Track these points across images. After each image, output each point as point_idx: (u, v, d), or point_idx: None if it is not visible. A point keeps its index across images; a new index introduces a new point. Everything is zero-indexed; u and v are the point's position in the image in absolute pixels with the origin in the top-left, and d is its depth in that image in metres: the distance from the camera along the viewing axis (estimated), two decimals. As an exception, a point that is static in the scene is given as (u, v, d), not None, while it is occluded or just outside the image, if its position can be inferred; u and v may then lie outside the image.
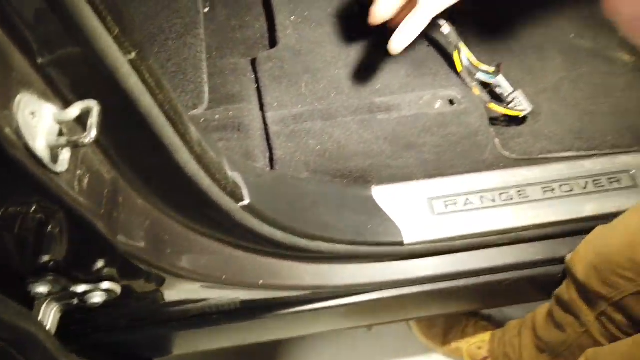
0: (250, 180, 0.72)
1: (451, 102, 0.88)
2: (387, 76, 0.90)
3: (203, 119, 0.85)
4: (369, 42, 0.94)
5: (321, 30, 0.96)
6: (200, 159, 0.58)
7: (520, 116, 0.91)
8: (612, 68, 1.03)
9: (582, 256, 0.84)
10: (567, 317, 0.91)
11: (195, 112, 0.87)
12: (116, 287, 0.60)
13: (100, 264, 0.58)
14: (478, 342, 1.13)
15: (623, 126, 0.95)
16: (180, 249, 0.66)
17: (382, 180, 0.88)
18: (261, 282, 0.77)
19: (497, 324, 1.20)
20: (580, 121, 0.96)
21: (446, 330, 1.18)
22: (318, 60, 0.93)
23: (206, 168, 0.59)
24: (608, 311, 0.83)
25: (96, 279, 0.57)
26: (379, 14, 0.81)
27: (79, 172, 0.47)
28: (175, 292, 0.76)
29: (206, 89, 0.89)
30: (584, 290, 0.84)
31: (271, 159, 0.85)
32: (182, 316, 0.85)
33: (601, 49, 1.06)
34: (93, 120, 0.41)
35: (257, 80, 0.91)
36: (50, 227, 0.49)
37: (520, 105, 0.90)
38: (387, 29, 0.92)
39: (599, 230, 0.84)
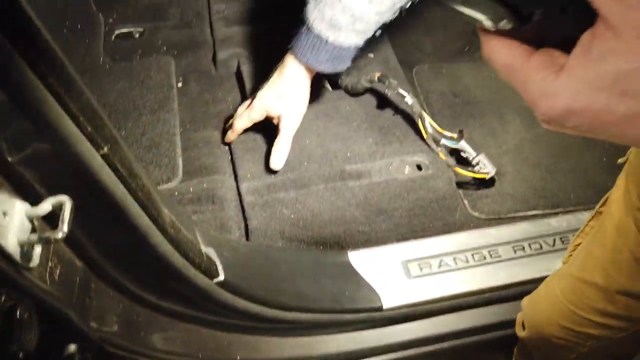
0: (224, 255, 0.72)
1: (419, 167, 0.91)
2: (356, 144, 0.93)
3: (177, 192, 0.86)
4: (338, 113, 0.98)
5: None
6: (173, 240, 0.58)
7: (486, 178, 0.95)
8: (568, 128, 1.08)
9: (524, 324, 0.82)
10: None
11: (169, 185, 0.88)
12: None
13: (72, 349, 0.56)
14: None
15: (584, 183, 1.00)
16: (155, 330, 0.65)
17: (356, 245, 0.89)
18: (239, 357, 0.76)
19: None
20: (543, 180, 1.00)
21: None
22: None
23: (180, 248, 0.59)
24: None
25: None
26: (237, 128, 0.92)
27: (50, 264, 0.46)
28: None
29: (180, 162, 0.91)
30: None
31: (246, 229, 0.85)
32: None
33: (557, 110, 1.12)
34: (65, 216, 0.41)
35: (230, 152, 0.93)
36: (20, 314, 0.48)
37: (485, 167, 0.94)
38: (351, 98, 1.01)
39: (526, 300, 0.83)
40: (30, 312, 0.48)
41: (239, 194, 0.87)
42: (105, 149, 0.45)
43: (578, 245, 0.75)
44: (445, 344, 0.91)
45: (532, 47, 0.29)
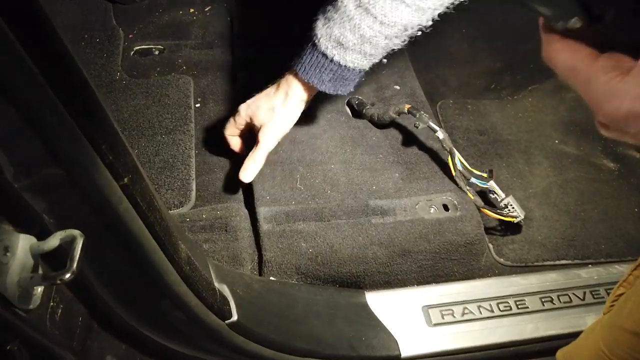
0: (238, 292, 0.66)
1: (446, 207, 0.86)
2: (381, 178, 0.88)
3: (189, 219, 0.80)
4: (364, 142, 0.93)
5: (317, 124, 0.95)
6: (188, 278, 0.53)
7: (514, 222, 0.90)
8: (598, 174, 1.04)
9: None
10: None
11: (180, 210, 0.82)
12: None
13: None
14: None
15: (615, 234, 0.94)
16: (158, 374, 0.59)
17: (375, 286, 0.83)
18: (244, 405, 0.69)
19: None
20: (572, 228, 0.95)
21: None
22: (315, 151, 0.91)
23: (194, 287, 0.54)
24: None
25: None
26: (227, 133, 0.87)
27: (52, 304, 0.41)
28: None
29: (194, 186, 0.86)
30: None
31: (260, 261, 0.80)
32: None
33: (585, 155, 1.07)
34: (75, 253, 0.36)
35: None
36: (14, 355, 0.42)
37: (514, 211, 0.89)
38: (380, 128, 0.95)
39: (561, 354, 0.78)
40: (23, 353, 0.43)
41: (255, 220, 0.80)
42: (126, 180, 0.40)
43: (620, 295, 0.70)
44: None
45: (596, 50, 0.29)
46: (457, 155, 0.88)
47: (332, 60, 0.74)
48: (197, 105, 1.00)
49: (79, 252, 0.36)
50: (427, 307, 0.83)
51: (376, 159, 0.91)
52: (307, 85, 0.78)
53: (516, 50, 1.22)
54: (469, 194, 0.87)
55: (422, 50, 1.17)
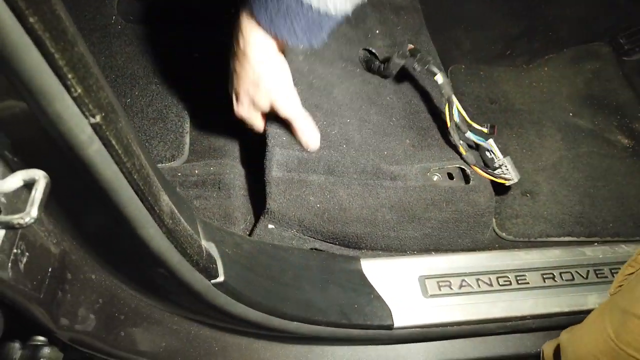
0: (227, 252, 0.62)
1: (459, 176, 0.81)
2: (393, 143, 0.82)
3: (180, 173, 0.76)
4: (379, 101, 0.87)
5: (333, 72, 0.87)
6: (171, 232, 0.49)
7: (506, 184, 0.85)
8: (611, 150, 0.99)
9: (563, 356, 0.74)
10: None
11: (172, 164, 0.78)
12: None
13: (39, 340, 0.48)
14: None
15: (625, 213, 0.90)
16: (138, 330, 0.56)
17: (375, 250, 0.80)
18: (229, 366, 0.67)
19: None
20: (580, 204, 0.91)
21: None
22: (331, 101, 0.83)
23: (177, 242, 0.50)
24: None
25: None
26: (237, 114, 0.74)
27: (16, 250, 0.37)
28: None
29: (187, 139, 0.81)
30: None
31: (256, 213, 0.75)
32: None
33: (600, 130, 1.02)
34: (36, 196, 0.32)
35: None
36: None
37: (507, 173, 0.83)
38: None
39: (566, 336, 0.74)
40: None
41: (267, 160, 0.73)
42: (98, 118, 0.35)
43: (630, 275, 0.66)
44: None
45: None
46: (456, 103, 0.81)
47: (304, 5, 0.58)
48: (196, 55, 0.94)
49: (41, 194, 0.32)
50: (423, 278, 0.79)
51: (389, 122, 0.85)
52: (274, 36, 0.63)
53: (536, 15, 1.15)
54: (460, 148, 0.82)
55: (436, 9, 1.09)
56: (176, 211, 0.50)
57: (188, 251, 0.52)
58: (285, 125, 0.74)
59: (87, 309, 0.48)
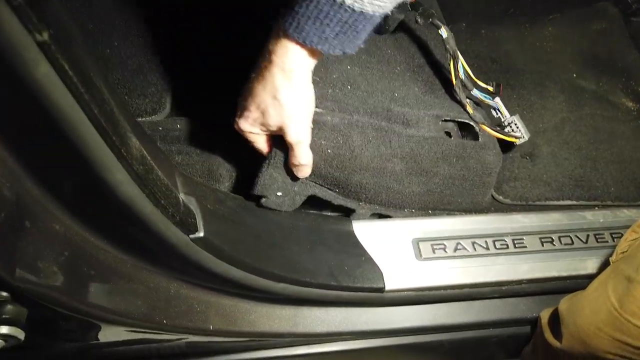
0: (208, 207, 0.58)
1: (468, 132, 0.77)
2: (402, 88, 0.76)
3: (161, 127, 0.71)
4: (379, 53, 0.81)
5: None
6: (141, 179, 0.44)
7: (517, 143, 0.81)
8: (615, 113, 0.94)
9: (562, 331, 0.70)
10: None
11: (153, 118, 0.73)
12: (18, 332, 0.46)
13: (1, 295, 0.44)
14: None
15: (627, 177, 0.86)
16: (110, 287, 0.52)
17: (373, 202, 0.75)
18: (212, 327, 0.64)
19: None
20: (581, 167, 0.87)
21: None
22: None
23: (149, 190, 0.46)
24: None
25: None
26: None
27: (-44, 189, 0.33)
28: (107, 334, 0.62)
29: (169, 93, 0.76)
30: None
31: (251, 167, 0.69)
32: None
33: (604, 92, 0.97)
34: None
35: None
36: None
37: (517, 131, 0.79)
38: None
39: (567, 304, 0.70)
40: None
41: None
42: (45, 36, 0.30)
43: (634, 240, 0.63)
44: (448, 336, 0.79)
45: None
46: (461, 60, 0.76)
47: (342, 5, 0.51)
48: (180, 5, 0.88)
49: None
50: (417, 240, 0.76)
51: (394, 70, 0.79)
52: (304, 44, 0.55)
53: (541, -30, 1.09)
54: (468, 106, 0.77)
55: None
56: (148, 158, 0.46)
57: (162, 202, 0.48)
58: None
59: (50, 262, 0.44)
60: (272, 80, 0.57)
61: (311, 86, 0.60)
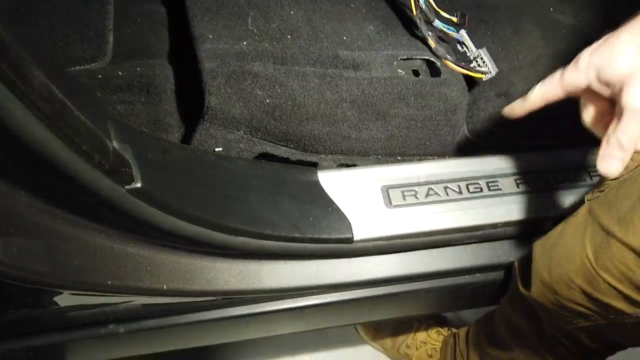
0: (148, 157, 0.52)
1: (430, 68, 0.70)
2: (353, 28, 0.70)
3: (101, 76, 0.64)
4: None
5: None
6: (52, 120, 0.38)
7: (483, 79, 0.75)
8: (594, 47, 0.88)
9: (534, 271, 0.65)
10: (512, 340, 0.77)
11: (93, 66, 0.65)
12: None
13: None
14: (429, 349, 0.99)
15: (606, 112, 0.81)
16: (40, 247, 0.46)
17: (335, 153, 0.70)
18: (166, 287, 0.58)
19: (451, 328, 1.06)
20: (559, 106, 0.81)
21: (395, 333, 1.03)
22: None
23: (64, 134, 0.39)
24: (559, 337, 0.69)
25: None
26: (531, 98, 0.55)
27: None
28: (49, 299, 0.56)
29: (110, 38, 0.68)
30: (532, 311, 0.69)
31: (188, 129, 0.64)
32: (68, 324, 0.65)
33: (583, 26, 0.91)
34: None
35: (185, 12, 0.66)
36: None
37: (484, 66, 0.73)
38: None
39: (540, 249, 0.65)
40: None
41: (196, 58, 0.62)
42: None
43: (613, 180, 0.58)
44: (423, 285, 0.75)
45: None
46: None
47: None
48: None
49: None
50: (387, 187, 0.70)
51: (346, 9, 0.72)
52: None
53: None
54: (429, 40, 0.70)
55: None
56: (60, 96, 0.39)
57: (84, 147, 0.41)
58: (213, 23, 0.59)
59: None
60: None
61: None
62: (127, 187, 0.47)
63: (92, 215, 0.48)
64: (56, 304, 0.57)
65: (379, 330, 1.05)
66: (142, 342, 0.69)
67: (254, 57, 0.61)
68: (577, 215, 0.61)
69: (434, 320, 1.05)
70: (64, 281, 0.49)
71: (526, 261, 0.67)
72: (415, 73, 0.71)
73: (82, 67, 0.65)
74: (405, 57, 0.69)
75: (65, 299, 0.57)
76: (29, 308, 0.59)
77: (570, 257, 0.57)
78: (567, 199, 0.72)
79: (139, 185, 0.47)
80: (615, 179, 0.57)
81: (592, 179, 0.74)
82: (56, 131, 0.38)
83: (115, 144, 0.47)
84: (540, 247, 0.64)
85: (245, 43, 0.63)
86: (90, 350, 0.70)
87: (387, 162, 0.75)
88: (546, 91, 0.55)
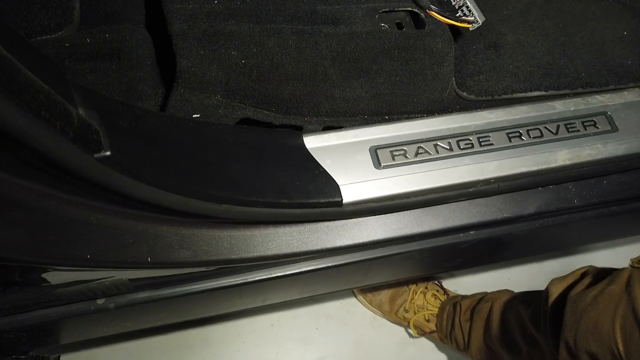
0: (118, 124, 0.49)
1: (413, 20, 0.66)
2: None
3: (69, 44, 0.60)
4: None
5: None
6: (4, 83, 0.35)
7: (470, 29, 0.71)
8: (586, -7, 0.84)
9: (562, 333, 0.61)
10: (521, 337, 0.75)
11: (59, 34, 0.62)
12: None
13: None
14: (427, 314, 0.98)
15: (598, 60, 0.78)
16: (10, 220, 0.44)
17: (319, 115, 0.67)
18: (150, 259, 0.56)
19: (447, 291, 1.05)
20: (549, 54, 0.78)
21: (393, 297, 1.02)
22: None
23: (19, 100, 0.36)
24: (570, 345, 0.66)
25: None
26: None
27: None
28: (31, 276, 0.54)
29: (77, 4, 0.64)
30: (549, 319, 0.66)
31: (167, 93, 0.61)
32: (56, 302, 0.63)
33: (573, -29, 0.87)
34: None
35: None
36: None
37: (470, 15, 0.69)
38: None
39: (573, 305, 0.60)
40: None
41: (164, 19, 0.58)
42: None
43: None
44: (416, 245, 0.74)
45: None
46: None
47: None
48: None
49: None
50: (375, 148, 0.68)
51: None
52: None
53: None
54: None
55: None
56: (10, 57, 0.36)
57: (43, 113, 0.39)
58: None
59: None
60: None
61: None
62: (96, 155, 0.44)
63: (66, 187, 0.46)
64: (45, 280, 0.55)
65: (377, 295, 1.04)
66: (133, 317, 0.68)
67: (227, 16, 0.57)
68: (614, 283, 0.56)
69: (431, 284, 1.04)
70: (40, 257, 0.46)
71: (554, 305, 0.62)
72: (399, 26, 0.67)
73: (47, 36, 0.61)
74: (387, 10, 0.65)
75: (51, 276, 0.55)
76: (17, 286, 0.57)
77: (597, 335, 0.52)
78: (561, 150, 0.69)
79: (108, 152, 0.45)
80: None
81: (585, 129, 0.72)
82: (10, 96, 0.35)
83: (81, 111, 0.44)
84: (571, 304, 0.59)
85: (216, 1, 0.59)
86: (81, 328, 0.69)
87: (374, 122, 0.72)
88: None
